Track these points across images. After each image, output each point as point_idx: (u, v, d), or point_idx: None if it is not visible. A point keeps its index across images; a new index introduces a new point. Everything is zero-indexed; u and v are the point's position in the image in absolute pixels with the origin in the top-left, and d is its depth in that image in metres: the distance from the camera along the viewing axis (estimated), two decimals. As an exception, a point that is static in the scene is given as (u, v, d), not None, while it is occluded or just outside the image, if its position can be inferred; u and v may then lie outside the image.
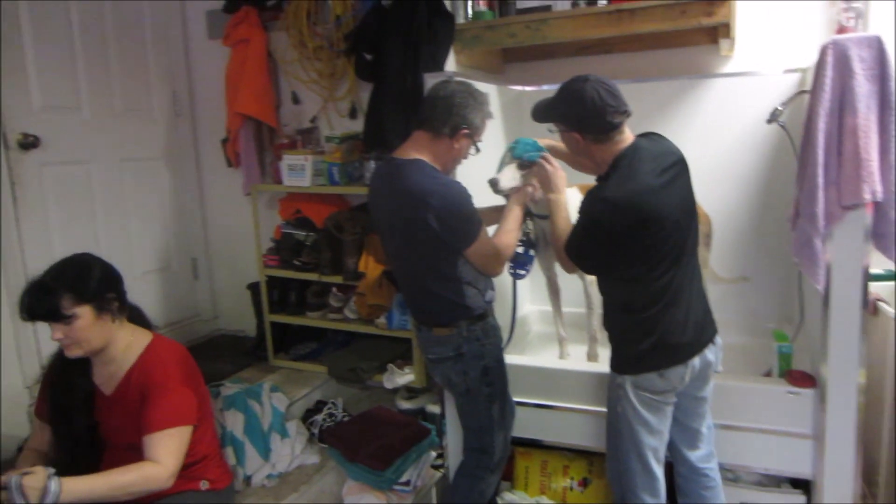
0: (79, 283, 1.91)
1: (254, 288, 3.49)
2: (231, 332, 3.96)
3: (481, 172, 2.30)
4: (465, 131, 2.10)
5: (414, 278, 2.19)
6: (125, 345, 2.02)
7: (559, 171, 2.16)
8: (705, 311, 2.04)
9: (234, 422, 2.65)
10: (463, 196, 2.05)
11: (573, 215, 2.57)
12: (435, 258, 2.09)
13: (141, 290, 3.51)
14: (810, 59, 2.58)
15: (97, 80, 3.25)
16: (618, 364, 2.03)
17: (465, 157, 2.21)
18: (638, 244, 1.83)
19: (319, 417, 3.04)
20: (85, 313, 1.90)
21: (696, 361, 1.97)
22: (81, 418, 2.02)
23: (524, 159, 2.22)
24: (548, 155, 2.20)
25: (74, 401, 2.02)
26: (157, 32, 3.60)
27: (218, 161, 3.68)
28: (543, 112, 2.02)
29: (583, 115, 1.87)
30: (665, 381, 1.94)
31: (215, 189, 3.86)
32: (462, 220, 2.04)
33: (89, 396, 2.04)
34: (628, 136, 1.93)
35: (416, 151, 2.11)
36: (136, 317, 2.15)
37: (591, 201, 1.87)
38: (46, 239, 3.00)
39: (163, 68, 3.65)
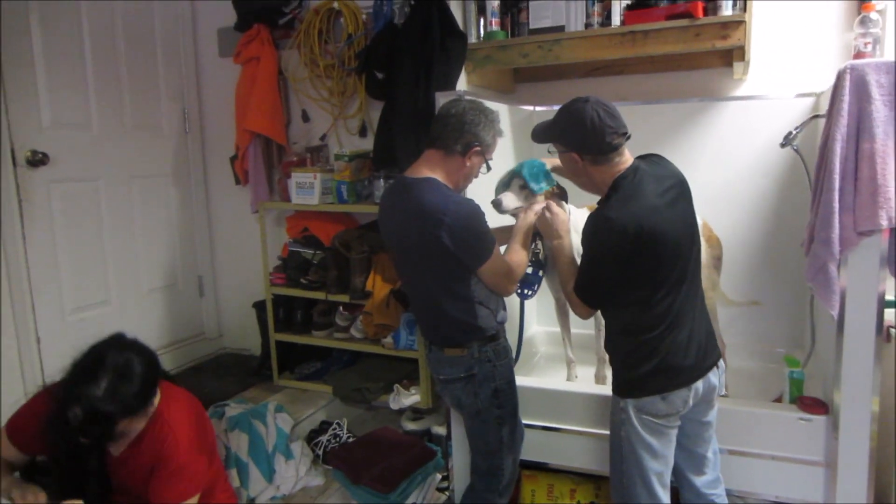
0: (129, 400, 1.83)
1: (259, 306, 3.47)
2: (236, 351, 3.94)
3: (490, 191, 2.29)
4: (477, 149, 2.09)
5: (426, 297, 2.17)
6: None
7: (559, 216, 2.15)
8: (708, 335, 2.02)
9: (239, 443, 2.62)
10: (477, 214, 2.04)
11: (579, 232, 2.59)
12: (448, 277, 2.07)
13: (146, 307, 3.52)
14: (823, 84, 2.59)
15: (107, 96, 3.27)
16: (620, 387, 2.00)
17: (476, 176, 2.20)
18: (641, 265, 1.82)
19: (324, 438, 3.01)
20: (134, 422, 1.88)
21: (699, 385, 1.94)
22: (93, 483, 1.93)
23: (529, 188, 2.22)
24: (550, 203, 2.20)
25: (84, 465, 1.91)
26: (168, 50, 3.62)
27: (226, 178, 3.68)
28: (543, 133, 2.03)
29: (582, 136, 1.87)
30: (668, 404, 1.91)
31: (223, 207, 3.86)
32: (476, 238, 2.02)
33: (101, 462, 1.95)
34: (628, 157, 1.92)
35: (429, 170, 2.10)
36: None
37: (594, 222, 1.87)
38: (53, 256, 3.00)
39: (173, 85, 3.67)
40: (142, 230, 3.49)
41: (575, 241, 2.52)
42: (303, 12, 3.30)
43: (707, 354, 1.98)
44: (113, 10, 3.29)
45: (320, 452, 2.96)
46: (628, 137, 1.89)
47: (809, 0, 2.77)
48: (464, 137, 2.06)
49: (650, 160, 1.97)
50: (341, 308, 3.24)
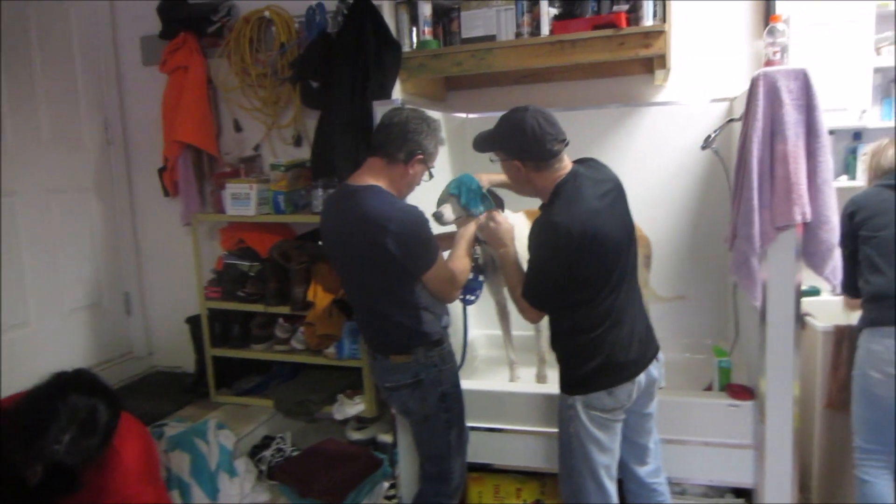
0: (93, 451, 1.75)
1: (194, 321, 3.37)
2: (168, 369, 3.80)
3: (432, 199, 2.33)
4: (420, 157, 2.13)
5: (370, 305, 2.18)
6: None
7: (503, 225, 2.21)
8: (647, 329, 2.12)
9: (180, 463, 2.55)
10: (421, 221, 2.07)
11: (523, 238, 2.66)
12: (393, 284, 2.09)
13: (69, 328, 3.36)
14: (736, 90, 2.77)
15: (22, 107, 3.11)
16: (567, 385, 2.07)
17: (418, 183, 2.24)
18: (586, 266, 1.90)
19: (268, 453, 2.96)
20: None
21: (641, 378, 2.04)
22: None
23: (469, 211, 2.28)
24: (493, 213, 2.26)
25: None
26: (87, 58, 3.48)
27: (153, 191, 3.56)
28: (484, 142, 2.08)
29: (523, 144, 1.93)
30: (614, 399, 2.00)
31: (150, 220, 3.73)
32: (421, 244, 2.05)
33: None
34: (567, 163, 2.01)
35: (372, 178, 2.11)
36: None
37: (540, 228, 1.94)
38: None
39: (94, 95, 3.52)
40: (62, 247, 3.33)
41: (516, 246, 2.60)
42: (231, 20, 3.24)
43: (647, 348, 2.08)
44: (26, 14, 3.14)
45: (265, 468, 2.90)
46: (567, 144, 1.97)
47: (721, 11, 2.96)
48: (407, 146, 2.09)
49: (587, 164, 2.06)
50: (281, 320, 3.19)
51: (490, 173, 2.38)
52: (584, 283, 1.92)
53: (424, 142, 2.13)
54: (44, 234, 3.23)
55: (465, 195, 2.29)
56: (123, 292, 3.72)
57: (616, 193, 2.02)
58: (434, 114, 2.33)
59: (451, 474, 2.30)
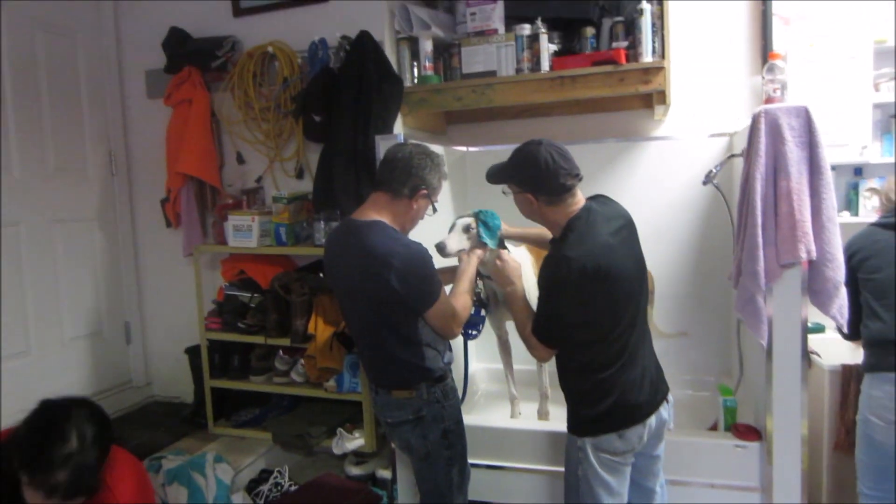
0: (90, 483, 1.75)
1: (193, 352, 3.35)
2: (166, 399, 3.78)
3: (435, 233, 2.32)
4: (424, 192, 2.13)
5: (373, 340, 2.16)
6: None
7: (510, 263, 2.20)
8: (658, 370, 2.08)
9: (178, 497, 2.53)
10: (425, 257, 2.06)
11: (526, 272, 2.64)
12: (395, 320, 2.07)
13: (69, 356, 3.36)
14: (736, 125, 2.77)
15: (28, 139, 3.15)
16: (576, 426, 2.02)
17: (422, 218, 2.23)
18: (598, 303, 1.86)
19: (265, 488, 2.92)
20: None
21: (652, 420, 1.99)
22: None
23: (481, 239, 2.28)
24: (501, 251, 2.26)
25: None
26: (93, 91, 3.52)
27: (156, 221, 3.57)
28: (497, 175, 2.06)
29: (536, 177, 1.91)
30: (625, 441, 1.95)
31: (152, 250, 3.74)
32: (424, 281, 2.04)
33: None
34: (580, 198, 1.98)
35: (375, 213, 2.11)
36: None
37: (551, 262, 1.90)
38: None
39: (98, 127, 3.56)
40: (65, 276, 3.34)
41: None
42: (235, 56, 3.28)
43: (658, 389, 2.03)
44: (34, 47, 3.19)
45: (261, 503, 2.86)
46: (580, 179, 1.95)
47: (719, 47, 2.98)
48: (411, 181, 2.09)
49: (599, 200, 2.04)
50: (281, 352, 3.17)
51: (511, 227, 2.41)
52: (596, 321, 1.88)
53: (428, 177, 2.13)
54: (47, 263, 3.25)
55: (482, 224, 2.30)
56: (124, 322, 3.72)
57: (628, 230, 2.00)
58: (436, 148, 2.34)
59: None
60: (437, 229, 2.38)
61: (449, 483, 2.22)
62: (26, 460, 1.69)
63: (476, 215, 2.34)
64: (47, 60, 3.25)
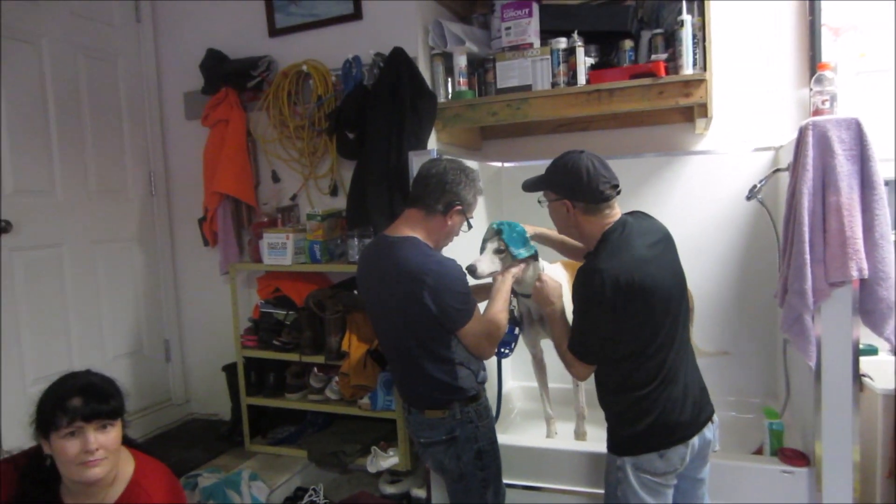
0: (117, 392, 1.81)
1: (230, 370, 3.37)
2: (204, 417, 3.80)
3: (468, 251, 2.29)
4: (459, 208, 2.10)
5: (406, 358, 2.13)
6: (114, 472, 1.84)
7: (549, 283, 2.15)
8: (702, 389, 2.01)
9: (212, 517, 2.51)
10: (459, 275, 2.03)
11: (564, 291, 2.59)
12: (429, 338, 2.05)
13: (111, 374, 3.35)
14: (781, 138, 2.69)
15: (71, 161, 3.22)
16: (616, 445, 1.97)
17: (457, 234, 2.20)
18: (633, 317, 1.81)
19: (300, 506, 2.90)
20: (118, 425, 1.79)
21: (695, 441, 1.92)
22: None
23: (513, 255, 2.23)
24: (542, 274, 2.22)
25: None
26: (133, 113, 3.59)
27: (194, 240, 3.61)
28: (535, 182, 2.03)
29: (576, 184, 1.88)
30: (666, 462, 1.89)
31: (190, 269, 3.78)
32: (458, 299, 2.01)
33: None
34: (617, 211, 1.94)
35: (409, 229, 2.09)
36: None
37: (585, 275, 1.85)
38: (15, 325, 2.90)
39: (139, 149, 3.62)
40: (106, 295, 3.40)
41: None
42: (271, 75, 3.31)
43: (702, 409, 1.97)
44: (77, 72, 3.27)
45: (296, 521, 2.86)
46: (619, 191, 1.91)
47: (764, 59, 2.89)
48: (445, 197, 2.07)
49: (636, 215, 2.00)
50: (315, 369, 3.16)
51: (533, 226, 2.35)
52: (633, 336, 1.83)
53: (463, 192, 2.11)
54: (89, 283, 3.31)
55: (507, 233, 2.25)
56: (164, 340, 3.77)
57: (666, 244, 1.95)
58: (470, 163, 2.31)
59: None
60: (471, 246, 2.35)
61: None
62: (51, 402, 1.73)
63: (498, 233, 2.27)
64: (89, 84, 3.33)
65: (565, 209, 1.94)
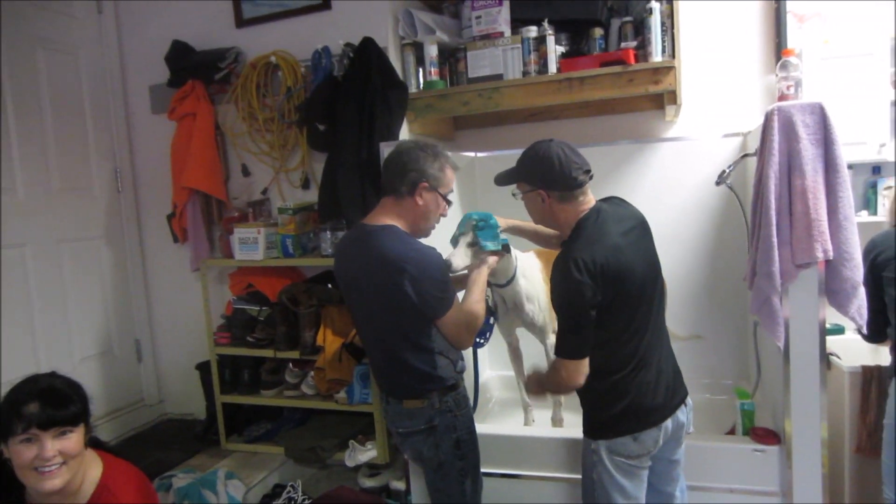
0: (79, 396, 1.75)
1: (203, 368, 3.33)
2: (179, 417, 3.76)
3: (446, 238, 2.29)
4: (425, 185, 2.04)
5: (385, 348, 2.12)
6: (80, 477, 1.79)
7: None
8: (675, 373, 2.04)
9: (188, 516, 2.48)
10: (439, 263, 2.01)
11: (534, 277, 2.61)
12: (408, 327, 2.03)
13: (80, 376, 3.19)
14: (749, 124, 2.73)
15: (33, 158, 3.13)
16: (591, 429, 1.99)
17: (443, 214, 2.14)
18: (609, 304, 1.82)
19: (278, 503, 2.88)
20: (79, 430, 1.72)
21: (668, 424, 1.95)
22: None
23: (484, 247, 2.21)
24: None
25: None
26: (97, 108, 3.51)
27: (163, 237, 3.56)
28: (507, 175, 2.02)
29: (549, 173, 1.87)
30: (640, 444, 1.91)
31: (160, 266, 3.72)
32: (438, 287, 1.99)
33: None
34: (591, 198, 1.94)
35: (386, 217, 2.06)
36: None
37: (563, 264, 1.84)
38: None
39: (103, 144, 3.54)
40: (73, 296, 3.32)
41: (524, 285, 2.54)
42: (239, 67, 3.26)
43: (675, 392, 2.00)
44: (36, 66, 3.18)
45: (275, 518, 2.84)
46: (591, 176, 1.91)
47: (731, 46, 2.94)
48: (407, 177, 2.02)
49: (611, 202, 2.01)
50: (291, 365, 3.14)
51: (505, 218, 2.34)
52: (608, 323, 1.84)
53: (426, 168, 2.04)
54: (54, 283, 3.23)
55: (479, 226, 2.22)
56: (134, 339, 3.70)
57: (641, 231, 1.96)
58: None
59: None
60: (447, 234, 2.34)
61: (462, 494, 2.18)
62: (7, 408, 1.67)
63: (472, 227, 2.23)
64: (49, 78, 3.24)
65: (540, 199, 1.93)
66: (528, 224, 2.33)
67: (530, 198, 1.97)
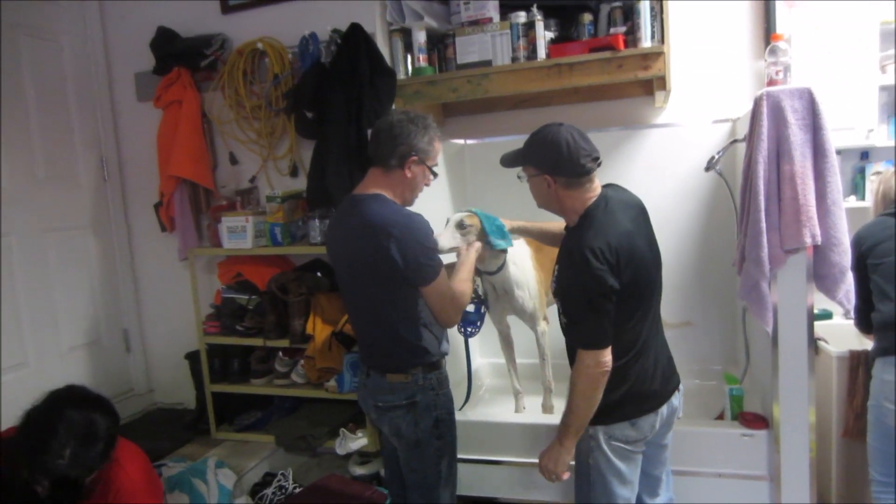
0: (95, 461, 1.77)
1: (193, 357, 3.32)
2: (169, 406, 3.74)
3: (435, 209, 2.29)
4: (414, 158, 2.06)
5: (371, 317, 2.11)
6: None
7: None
8: (669, 359, 2.05)
9: (179, 505, 2.48)
10: (426, 229, 2.01)
11: (525, 265, 2.60)
12: (395, 294, 2.03)
13: (68, 367, 3.32)
14: (739, 110, 2.72)
15: (16, 147, 3.09)
16: None
17: (426, 184, 2.16)
18: (622, 290, 1.80)
19: (269, 491, 2.88)
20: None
21: (664, 409, 1.97)
22: None
23: (493, 246, 2.27)
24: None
25: None
26: (81, 96, 3.46)
27: (150, 226, 3.52)
28: (514, 157, 2.00)
29: (557, 159, 1.85)
30: (637, 430, 1.93)
31: (148, 256, 3.69)
32: (425, 253, 1.98)
33: None
34: (597, 185, 1.93)
35: (374, 187, 2.07)
36: None
37: (578, 254, 1.81)
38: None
39: (89, 133, 3.50)
40: (60, 286, 3.29)
41: (514, 272, 2.54)
42: (225, 54, 3.22)
43: (670, 378, 2.01)
44: (18, 53, 3.13)
45: (265, 507, 2.83)
46: (599, 164, 1.89)
47: (720, 31, 2.92)
48: (398, 150, 2.03)
49: (614, 188, 2.00)
50: (281, 354, 3.13)
51: (510, 220, 2.37)
52: (619, 309, 1.82)
53: (416, 141, 2.05)
54: (40, 273, 3.20)
55: (488, 224, 2.25)
56: (122, 329, 3.68)
57: (644, 217, 1.97)
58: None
59: None
60: (439, 204, 2.35)
61: (437, 475, 2.17)
62: (28, 457, 1.70)
63: (468, 213, 2.27)
64: (32, 66, 3.19)
65: (546, 184, 1.90)
66: (534, 224, 2.35)
67: (536, 182, 1.95)
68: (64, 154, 3.37)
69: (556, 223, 2.21)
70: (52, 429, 1.73)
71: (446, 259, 2.31)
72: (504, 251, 2.40)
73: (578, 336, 1.86)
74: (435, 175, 2.16)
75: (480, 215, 2.29)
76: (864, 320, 2.28)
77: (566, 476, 1.99)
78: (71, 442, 1.72)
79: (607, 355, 1.83)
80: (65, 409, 1.77)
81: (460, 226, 2.26)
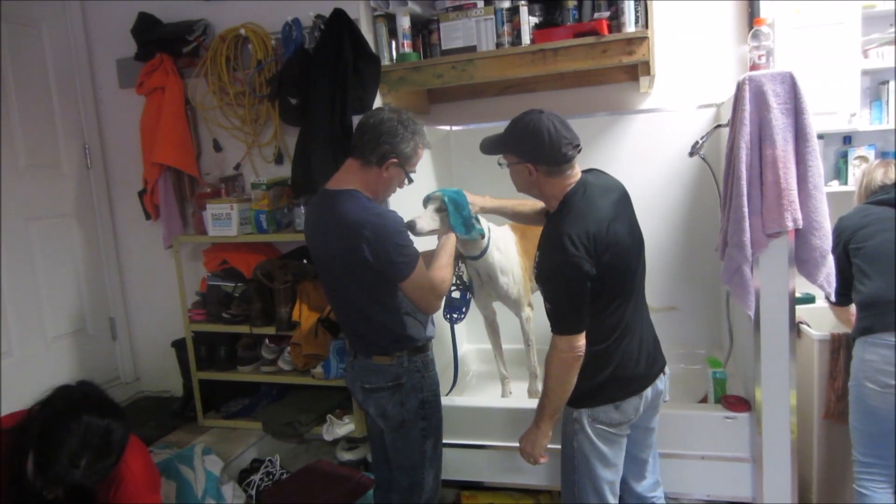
0: (108, 470, 1.75)
1: (179, 345, 3.31)
2: (155, 394, 3.74)
3: (408, 206, 2.28)
4: (394, 161, 2.03)
5: (353, 309, 2.11)
6: None
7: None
8: (655, 342, 2.07)
9: (166, 491, 2.49)
10: (397, 226, 1.99)
11: (509, 251, 2.61)
12: (374, 289, 2.03)
13: (53, 355, 3.30)
14: (723, 95, 2.73)
15: (-4, 135, 3.05)
16: (573, 398, 1.97)
17: (399, 186, 2.14)
18: (602, 276, 1.81)
19: (256, 477, 2.90)
20: None
21: (648, 392, 1.98)
22: None
23: (457, 231, 2.25)
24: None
25: None
26: (63, 83, 3.42)
27: (135, 214, 3.50)
28: (494, 145, 1.99)
29: (538, 147, 1.84)
30: (621, 413, 1.94)
31: (133, 244, 3.67)
32: (397, 251, 1.97)
33: None
34: (577, 171, 1.93)
35: (348, 180, 2.05)
36: None
37: (556, 240, 1.82)
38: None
39: (71, 120, 3.46)
40: (44, 274, 3.26)
41: (497, 258, 2.54)
42: (207, 40, 3.19)
43: (655, 361, 2.03)
44: (-3, 39, 3.09)
45: (253, 493, 2.84)
46: (580, 150, 1.89)
47: (704, 16, 2.92)
48: (380, 149, 2.01)
49: (594, 173, 2.00)
50: (267, 341, 3.13)
51: (482, 196, 2.33)
52: (598, 294, 1.84)
53: (400, 145, 2.02)
54: (24, 262, 3.17)
55: (454, 216, 2.22)
56: (108, 317, 3.66)
57: (624, 202, 1.97)
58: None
59: (422, 486, 2.22)
60: (413, 202, 2.33)
61: (422, 456, 2.19)
62: (42, 463, 1.66)
63: (442, 199, 2.24)
64: (12, 53, 3.14)
65: (527, 172, 1.90)
66: (508, 203, 2.33)
67: (517, 170, 1.95)
68: (46, 142, 3.33)
69: (530, 202, 2.20)
70: (68, 435, 1.66)
71: (427, 244, 2.31)
72: (482, 236, 2.39)
73: (553, 321, 1.88)
74: (410, 181, 2.14)
75: (448, 202, 2.23)
76: (841, 300, 2.31)
77: (544, 460, 2.01)
78: (87, 452, 1.66)
79: (581, 340, 1.85)
80: (82, 415, 1.69)
81: (440, 210, 2.24)
